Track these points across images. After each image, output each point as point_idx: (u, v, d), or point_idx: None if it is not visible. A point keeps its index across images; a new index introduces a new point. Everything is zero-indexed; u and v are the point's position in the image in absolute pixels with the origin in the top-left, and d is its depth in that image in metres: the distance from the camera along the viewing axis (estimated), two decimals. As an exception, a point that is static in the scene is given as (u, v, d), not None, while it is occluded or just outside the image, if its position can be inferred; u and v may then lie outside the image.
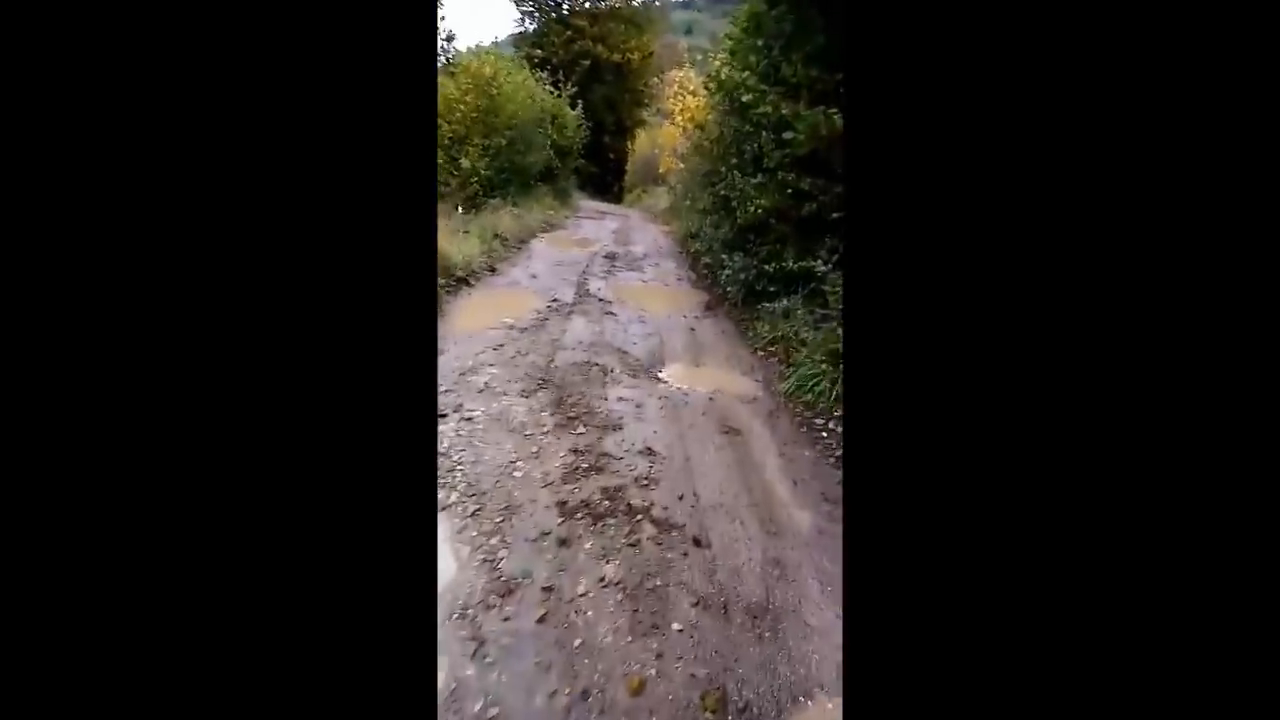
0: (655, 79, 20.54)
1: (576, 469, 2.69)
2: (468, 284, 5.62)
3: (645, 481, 2.65)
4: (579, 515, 2.38)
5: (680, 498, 2.57)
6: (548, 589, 2.00)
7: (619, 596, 2.00)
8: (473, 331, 4.30)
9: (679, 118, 11.62)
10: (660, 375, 3.90)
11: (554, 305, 5.24)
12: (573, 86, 13.48)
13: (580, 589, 2.01)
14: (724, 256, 5.75)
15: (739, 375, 4.06)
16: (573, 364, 3.90)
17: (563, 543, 2.22)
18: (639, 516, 2.40)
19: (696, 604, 2.01)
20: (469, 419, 3.03)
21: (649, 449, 2.92)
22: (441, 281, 5.28)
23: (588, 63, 17.90)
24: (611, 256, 7.75)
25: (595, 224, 10.93)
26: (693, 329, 4.97)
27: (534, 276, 6.24)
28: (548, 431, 3.01)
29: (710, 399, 3.59)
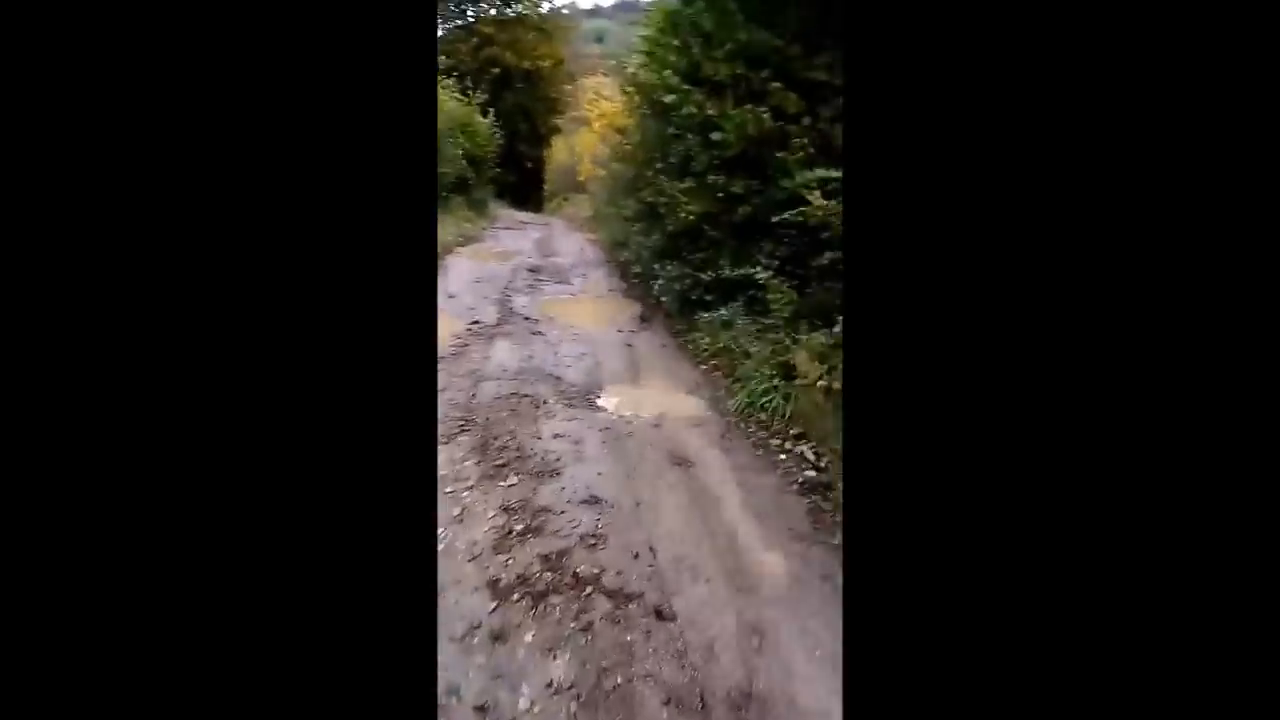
0: (568, 85, 20.13)
1: (509, 533, 2.25)
2: (376, 309, 5.01)
3: (593, 540, 2.24)
4: (516, 596, 1.94)
5: (635, 556, 2.18)
6: (481, 708, 1.56)
7: (573, 706, 1.59)
8: (381, 365, 3.76)
9: (596, 124, 11.25)
10: (599, 401, 3.50)
11: (475, 328, 4.74)
12: (482, 94, 12.88)
13: (523, 702, 1.59)
14: (655, 265, 5.41)
15: (684, 395, 3.72)
16: (499, 397, 3.43)
17: (497, 637, 1.78)
18: (589, 589, 1.99)
19: (668, 701, 1.63)
20: (376, 478, 2.52)
21: (594, 496, 2.51)
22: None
23: (497, 70, 17.24)
24: (536, 269, 7.28)
25: (516, 235, 10.39)
26: (629, 345, 4.60)
27: (451, 296, 5.69)
28: (472, 485, 2.54)
29: (656, 425, 3.23)
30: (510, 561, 2.09)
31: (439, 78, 11.10)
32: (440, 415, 3.13)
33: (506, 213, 14.45)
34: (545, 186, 19.77)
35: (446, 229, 8.63)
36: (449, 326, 4.74)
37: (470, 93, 12.23)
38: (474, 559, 2.10)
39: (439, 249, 7.66)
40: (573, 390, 3.62)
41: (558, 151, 19.67)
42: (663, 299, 5.34)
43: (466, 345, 4.30)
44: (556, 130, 20.04)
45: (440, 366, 3.82)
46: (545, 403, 3.40)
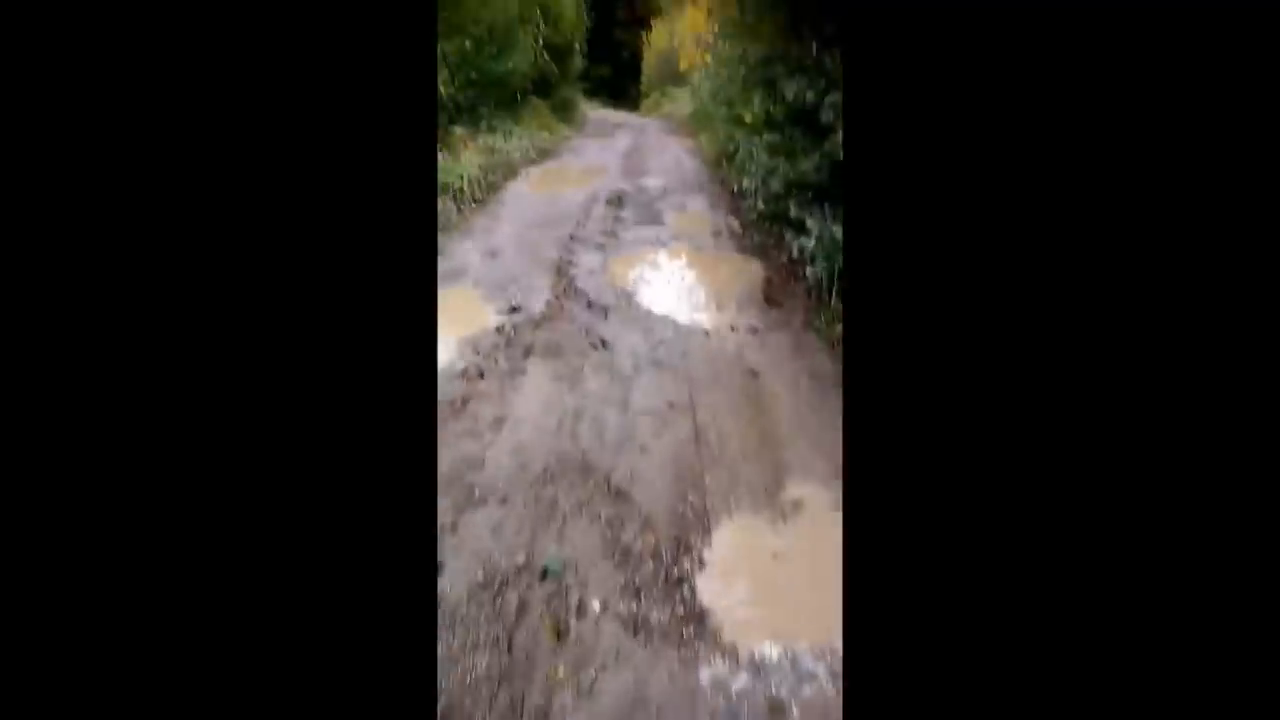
0: (671, -46, 16.14)
1: None
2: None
3: None
4: None
5: None
6: None
7: None
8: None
9: (702, -8, 8.18)
10: (718, 611, 1.46)
11: (505, 329, 2.75)
12: (568, -34, 9.98)
13: None
14: (800, 210, 3.07)
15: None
16: (496, 585, 1.48)
17: None
18: None
19: None
20: None
21: None
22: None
23: (588, -62, 13.80)
24: (618, 199, 5.05)
25: (601, 145, 7.99)
26: (754, 372, 2.44)
27: (492, 255, 3.70)
28: None
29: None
30: None
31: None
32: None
33: (599, 113, 11.89)
34: (642, 79, 16.55)
35: (514, 143, 6.46)
36: (469, 323, 2.78)
37: (552, -36, 9.40)
38: None
39: (500, 173, 5.59)
40: (650, 550, 1.58)
41: (657, 37, 16.17)
42: (811, 263, 3.03)
43: (478, 380, 2.33)
44: (657, 12, 16.43)
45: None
46: (591, 611, 1.41)
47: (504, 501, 1.71)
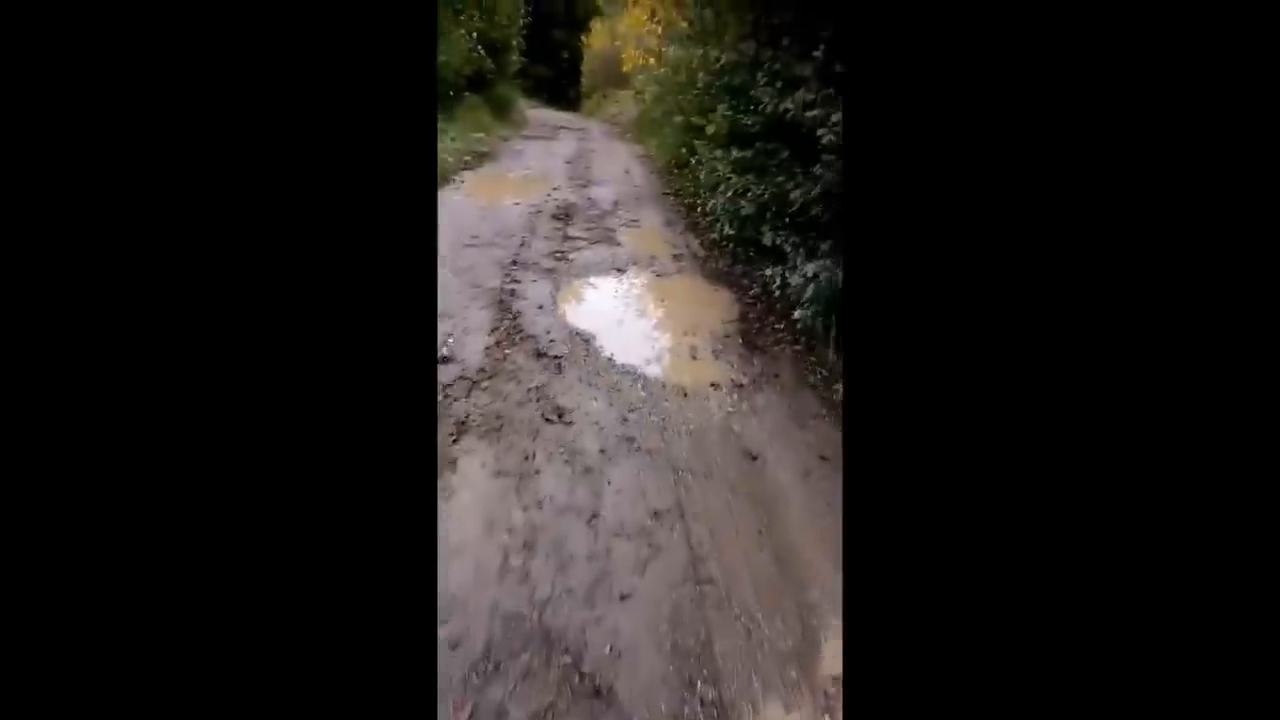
0: (610, -46, 15.45)
1: None
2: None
3: None
4: None
5: None
6: None
7: None
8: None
9: (646, -7, 7.63)
10: None
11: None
12: (503, -41, 9.13)
13: None
14: (776, 237, 2.57)
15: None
16: None
17: None
18: None
19: None
20: None
21: None
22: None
23: (525, -68, 12.89)
24: (564, 214, 4.41)
25: (544, 148, 7.28)
26: (751, 454, 1.91)
27: (417, 285, 2.99)
28: None
29: None
30: None
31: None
32: None
33: (539, 113, 11.08)
34: (583, 80, 15.80)
35: (447, 145, 5.67)
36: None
37: (486, -45, 8.54)
38: None
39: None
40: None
41: (597, 39, 15.46)
42: (801, 306, 2.54)
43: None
44: (597, 13, 15.71)
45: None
46: None
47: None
